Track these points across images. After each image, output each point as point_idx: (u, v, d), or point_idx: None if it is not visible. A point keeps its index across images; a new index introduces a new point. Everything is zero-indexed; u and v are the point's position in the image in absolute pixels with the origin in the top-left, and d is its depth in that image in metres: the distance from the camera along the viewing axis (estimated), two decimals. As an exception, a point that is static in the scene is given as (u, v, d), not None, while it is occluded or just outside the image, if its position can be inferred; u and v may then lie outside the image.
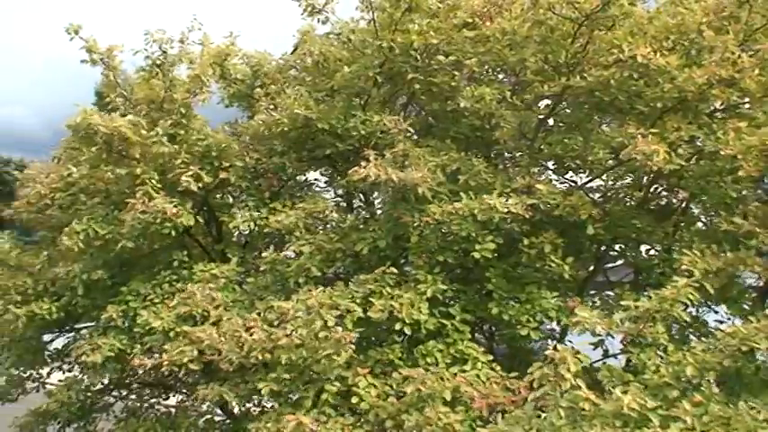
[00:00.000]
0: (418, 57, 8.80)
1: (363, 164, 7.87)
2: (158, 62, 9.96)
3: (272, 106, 9.41)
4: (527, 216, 7.69)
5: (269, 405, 8.63)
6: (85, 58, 10.09)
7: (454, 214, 7.69)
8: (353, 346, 7.06)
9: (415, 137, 9.42)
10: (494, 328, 9.33)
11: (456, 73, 9.08)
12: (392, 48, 8.77)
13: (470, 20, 8.83)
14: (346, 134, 9.05)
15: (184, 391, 11.37)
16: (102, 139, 9.28)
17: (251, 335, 7.34)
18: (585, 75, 8.07)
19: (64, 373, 11.40)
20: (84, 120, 9.12)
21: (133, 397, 11.89)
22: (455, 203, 7.75)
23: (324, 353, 6.92)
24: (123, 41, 10.18)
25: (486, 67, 9.43)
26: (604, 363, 8.01)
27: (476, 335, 9.04)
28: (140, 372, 10.47)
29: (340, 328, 7.00)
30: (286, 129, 9.08)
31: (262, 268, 9.07)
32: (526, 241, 8.11)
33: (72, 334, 11.34)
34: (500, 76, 9.76)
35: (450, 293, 8.31)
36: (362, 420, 7.22)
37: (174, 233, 9.15)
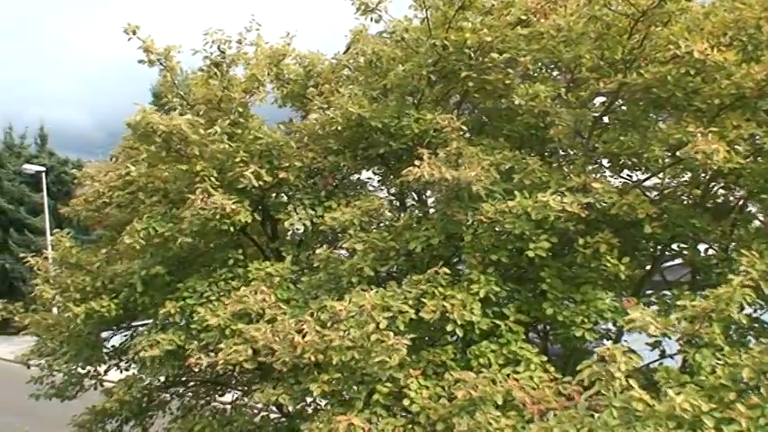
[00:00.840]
0: (472, 55, 8.82)
1: (417, 163, 7.94)
2: (216, 62, 10.19)
3: (325, 106, 9.51)
4: (582, 215, 7.66)
5: (323, 403, 8.74)
6: (143, 58, 10.40)
7: (508, 212, 7.68)
8: (405, 349, 7.11)
9: (469, 135, 9.46)
10: (548, 328, 9.29)
11: (510, 71, 9.08)
12: (445, 46, 8.82)
13: (524, 17, 8.81)
14: (399, 133, 9.14)
15: (240, 388, 11.58)
16: (161, 138, 9.53)
17: (303, 336, 7.46)
18: (642, 71, 8.00)
19: (121, 371, 11.76)
20: (143, 118, 9.39)
21: (189, 394, 12.16)
22: (509, 202, 7.75)
23: (377, 358, 6.99)
24: (180, 42, 10.43)
25: (541, 64, 9.43)
26: (661, 363, 7.98)
27: (530, 334, 9.06)
28: (196, 369, 10.72)
29: (392, 333, 7.06)
30: (340, 128, 9.19)
31: (315, 265, 9.21)
32: (581, 240, 8.09)
33: (130, 332, 11.68)
34: (555, 74, 9.75)
35: (504, 293, 8.30)
36: (414, 422, 7.30)
37: (231, 230, 9.40)
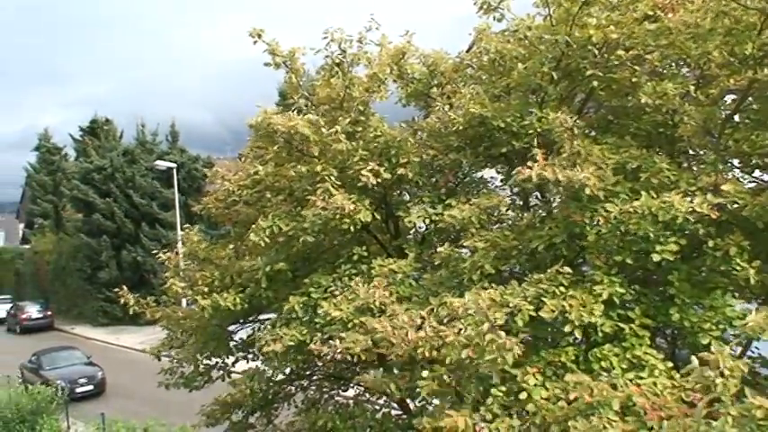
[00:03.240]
0: (596, 52, 8.82)
1: (529, 163, 8.03)
2: (338, 61, 10.53)
3: (447, 106, 9.66)
4: (713, 216, 7.53)
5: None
6: (268, 61, 10.83)
7: (633, 213, 7.65)
8: (520, 350, 7.17)
9: (594, 133, 9.44)
10: (676, 333, 9.15)
11: (637, 68, 9.01)
12: (569, 43, 8.86)
13: (651, 12, 8.75)
14: (522, 132, 9.23)
15: (362, 384, 11.89)
16: (283, 138, 9.93)
17: (417, 332, 7.67)
18: (773, 67, 7.85)
19: (248, 362, 12.30)
20: (264, 119, 9.83)
21: (313, 388, 12.57)
22: (634, 202, 7.71)
23: (488, 356, 7.11)
24: (303, 42, 10.80)
25: (669, 60, 9.27)
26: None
27: (657, 339, 8.97)
28: (320, 364, 11.11)
29: (503, 333, 7.14)
30: (461, 128, 9.33)
31: (437, 262, 9.42)
32: (711, 243, 7.97)
33: (256, 325, 12.21)
34: (683, 70, 9.56)
35: (630, 296, 8.26)
36: (529, 423, 7.37)
37: (352, 229, 9.71)
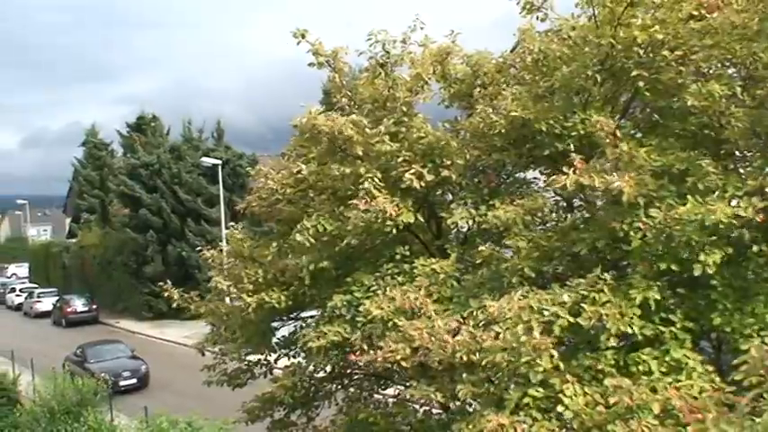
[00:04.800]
0: (641, 53, 8.81)
1: (565, 169, 8.05)
2: (381, 62, 10.62)
3: (489, 109, 9.69)
4: (759, 220, 7.48)
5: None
6: (312, 61, 11.01)
7: (677, 220, 7.61)
8: (556, 353, 7.26)
9: (640, 135, 9.40)
10: (721, 337, 9.09)
11: (682, 68, 8.97)
12: (613, 44, 8.84)
13: (696, 12, 8.71)
14: (565, 134, 9.25)
15: (402, 383, 11.97)
16: (327, 139, 10.04)
17: (454, 337, 7.77)
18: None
19: (290, 359, 12.45)
20: (308, 120, 9.95)
21: (354, 386, 12.67)
22: (679, 208, 7.68)
23: (524, 358, 7.18)
24: (347, 41, 10.91)
25: (714, 61, 9.19)
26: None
27: (702, 342, 8.93)
28: (360, 365, 11.21)
29: (537, 334, 7.22)
30: (503, 130, 9.37)
31: (478, 261, 9.48)
32: (755, 248, 7.94)
33: (298, 322, 12.40)
34: (730, 71, 9.46)
35: (672, 300, 8.25)
36: (567, 428, 7.45)
37: (394, 231, 9.79)
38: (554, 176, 8.09)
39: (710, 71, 9.31)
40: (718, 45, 8.69)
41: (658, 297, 7.90)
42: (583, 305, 7.76)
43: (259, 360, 12.77)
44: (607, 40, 8.84)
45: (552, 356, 7.27)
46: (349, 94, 11.31)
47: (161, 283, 13.92)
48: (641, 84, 8.96)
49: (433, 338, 7.99)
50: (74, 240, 68.67)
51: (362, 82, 11.25)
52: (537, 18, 9.69)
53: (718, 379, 7.54)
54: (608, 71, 9.29)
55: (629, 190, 7.73)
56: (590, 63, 9.12)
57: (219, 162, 43.50)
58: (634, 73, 8.84)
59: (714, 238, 7.75)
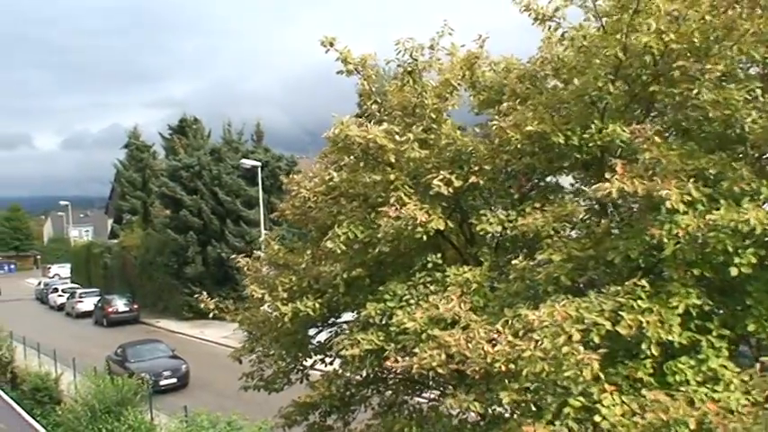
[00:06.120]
0: (654, 61, 8.67)
1: (608, 176, 7.95)
2: (410, 69, 10.60)
3: (504, 123, 9.56)
4: None
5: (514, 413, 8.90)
6: (341, 68, 11.03)
7: (710, 226, 7.49)
8: (597, 364, 7.17)
9: (668, 136, 9.26)
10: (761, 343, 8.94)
11: (698, 78, 8.66)
12: (624, 52, 8.69)
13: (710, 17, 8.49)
14: (583, 144, 9.16)
15: (438, 389, 11.94)
16: (360, 149, 10.06)
17: (494, 346, 7.70)
18: None
19: (326, 365, 12.52)
20: (341, 131, 9.96)
21: (389, 392, 12.65)
22: (713, 213, 7.54)
23: (567, 372, 7.12)
24: (379, 45, 10.95)
25: (734, 61, 8.89)
26: None
27: (741, 348, 8.81)
28: (395, 371, 11.19)
29: (582, 348, 7.15)
30: (519, 146, 9.31)
31: (512, 275, 9.36)
32: (789, 253, 7.71)
33: (334, 328, 12.41)
34: (752, 71, 9.22)
35: (708, 307, 8.11)
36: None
37: (424, 237, 9.73)
38: (597, 184, 7.97)
39: (728, 73, 8.95)
40: (738, 44, 8.48)
41: (699, 302, 7.80)
42: (621, 313, 7.67)
43: (295, 366, 12.81)
44: (614, 50, 8.68)
45: (593, 369, 7.21)
46: (378, 100, 11.30)
47: (197, 293, 14.06)
48: (656, 88, 8.84)
49: (469, 345, 7.95)
50: (115, 241, 69.62)
51: (392, 89, 11.23)
52: (549, 28, 9.61)
53: (755, 392, 7.36)
54: (623, 79, 9.13)
55: (675, 197, 7.61)
56: (602, 72, 8.94)
57: (259, 164, 43.82)
58: (652, 89, 8.72)
59: (748, 242, 7.60)
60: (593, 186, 8.07)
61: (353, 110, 11.29)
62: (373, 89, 11.26)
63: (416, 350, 8.73)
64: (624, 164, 8.16)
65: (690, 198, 7.80)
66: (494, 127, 9.72)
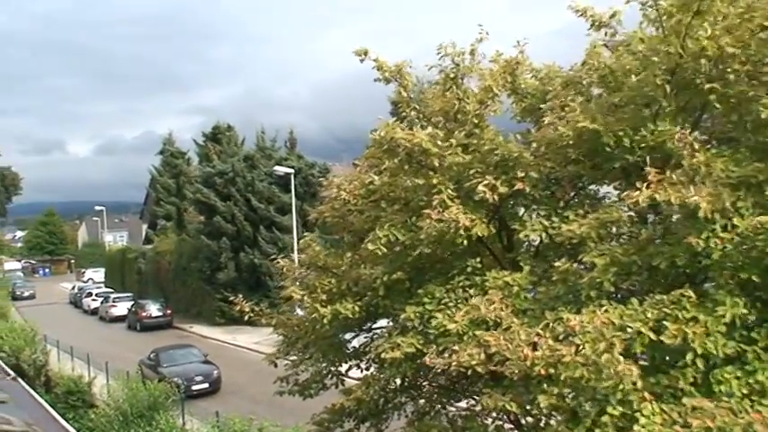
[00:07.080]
0: (710, 64, 8.55)
1: (638, 184, 7.87)
2: (452, 75, 10.59)
3: (556, 121, 9.55)
4: None
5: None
6: (378, 76, 11.04)
7: (760, 228, 7.40)
8: (636, 373, 7.08)
9: (716, 143, 9.18)
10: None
11: (754, 81, 8.63)
12: (682, 54, 8.60)
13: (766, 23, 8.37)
14: (635, 146, 9.06)
15: (474, 396, 11.87)
16: (404, 152, 10.06)
17: (534, 350, 7.64)
18: None
19: (361, 371, 12.50)
20: (387, 133, 9.98)
21: (424, 399, 12.61)
22: (762, 217, 7.45)
23: (607, 382, 7.03)
24: (415, 52, 10.96)
25: None
26: None
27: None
28: (432, 374, 11.15)
29: (622, 358, 7.07)
30: (571, 141, 9.23)
31: (554, 278, 9.30)
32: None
33: (370, 333, 12.41)
34: None
35: (755, 316, 7.98)
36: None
37: (465, 242, 9.71)
38: (627, 192, 7.91)
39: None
40: None
41: (746, 311, 7.66)
42: (665, 322, 7.58)
43: (330, 371, 12.80)
44: (675, 48, 8.57)
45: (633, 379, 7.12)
46: (417, 107, 11.29)
47: (231, 297, 14.09)
48: (712, 97, 8.66)
49: (509, 347, 7.90)
50: (150, 246, 70.25)
51: (431, 95, 11.23)
52: (605, 34, 9.57)
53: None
54: (678, 83, 9.01)
55: (705, 205, 7.53)
56: (659, 74, 8.83)
57: (292, 171, 44.08)
58: (706, 87, 8.55)
59: None
60: (624, 194, 7.98)
61: (386, 116, 11.24)
62: (411, 96, 11.23)
63: (456, 348, 8.70)
64: (659, 172, 8.08)
65: (727, 207, 7.69)
66: (545, 123, 9.68)
